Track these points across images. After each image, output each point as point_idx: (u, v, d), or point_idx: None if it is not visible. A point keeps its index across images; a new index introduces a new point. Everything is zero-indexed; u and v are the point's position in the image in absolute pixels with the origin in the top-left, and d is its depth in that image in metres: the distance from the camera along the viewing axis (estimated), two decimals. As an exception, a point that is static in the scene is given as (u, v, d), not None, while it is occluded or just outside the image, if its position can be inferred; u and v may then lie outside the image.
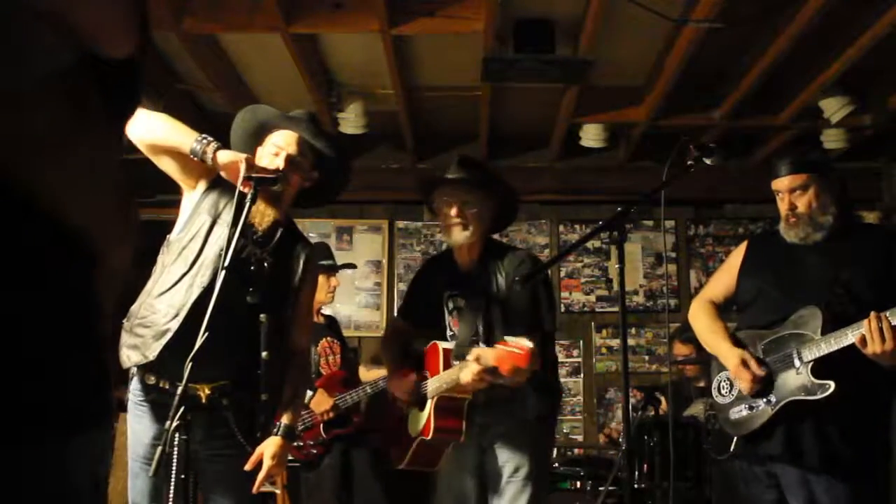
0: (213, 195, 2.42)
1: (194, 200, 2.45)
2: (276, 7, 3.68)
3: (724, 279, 2.91)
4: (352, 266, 4.87)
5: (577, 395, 6.05)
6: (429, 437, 2.70)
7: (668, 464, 3.75)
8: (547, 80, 4.27)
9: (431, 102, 5.18)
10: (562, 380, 5.72)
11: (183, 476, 2.13)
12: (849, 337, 2.40)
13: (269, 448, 2.34)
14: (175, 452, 2.11)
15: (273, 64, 4.53)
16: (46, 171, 0.75)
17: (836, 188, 2.66)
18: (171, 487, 2.14)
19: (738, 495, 2.79)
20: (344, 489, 4.42)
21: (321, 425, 4.27)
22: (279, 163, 2.40)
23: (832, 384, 2.43)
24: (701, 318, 2.87)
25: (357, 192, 5.37)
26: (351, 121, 5.06)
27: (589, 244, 6.06)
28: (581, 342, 6.15)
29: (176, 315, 2.27)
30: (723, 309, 2.90)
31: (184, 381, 1.96)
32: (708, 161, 2.48)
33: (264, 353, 2.30)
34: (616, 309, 4.38)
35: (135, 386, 2.39)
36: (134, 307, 2.40)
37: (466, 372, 2.49)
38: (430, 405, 2.75)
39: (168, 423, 1.99)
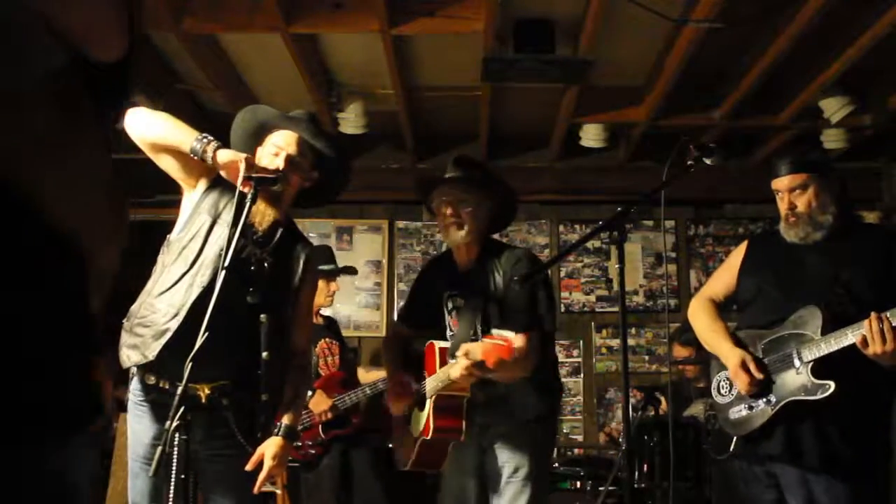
0: (213, 195, 2.42)
1: (194, 200, 2.45)
2: (276, 7, 3.68)
3: (724, 278, 2.91)
4: (352, 272, 4.83)
5: (577, 395, 6.05)
6: (429, 437, 2.70)
7: (668, 464, 3.75)
8: (547, 80, 4.27)
9: (431, 102, 5.18)
10: (562, 380, 5.71)
11: (183, 476, 2.13)
12: (849, 337, 2.40)
13: (269, 448, 2.34)
14: (175, 452, 2.11)
15: (273, 64, 4.53)
16: (43, 172, 0.76)
17: (835, 188, 2.66)
18: (171, 487, 2.13)
19: (737, 495, 2.79)
20: (343, 490, 4.42)
21: (319, 426, 4.27)
22: (279, 163, 2.40)
23: (832, 384, 2.43)
24: (701, 317, 2.87)
25: (357, 192, 5.37)
26: (351, 121, 5.06)
27: (589, 244, 6.06)
28: (581, 342, 6.15)
29: (176, 315, 2.27)
30: (722, 308, 2.90)
31: (184, 381, 1.96)
32: (708, 161, 2.48)
33: (264, 354, 2.30)
34: (616, 309, 4.39)
35: (135, 386, 2.39)
36: (134, 307, 2.40)
37: (456, 368, 2.50)
38: (429, 405, 2.75)
39: (168, 423, 1.99)
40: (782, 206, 2.68)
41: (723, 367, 2.76)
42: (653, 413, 4.29)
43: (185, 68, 4.73)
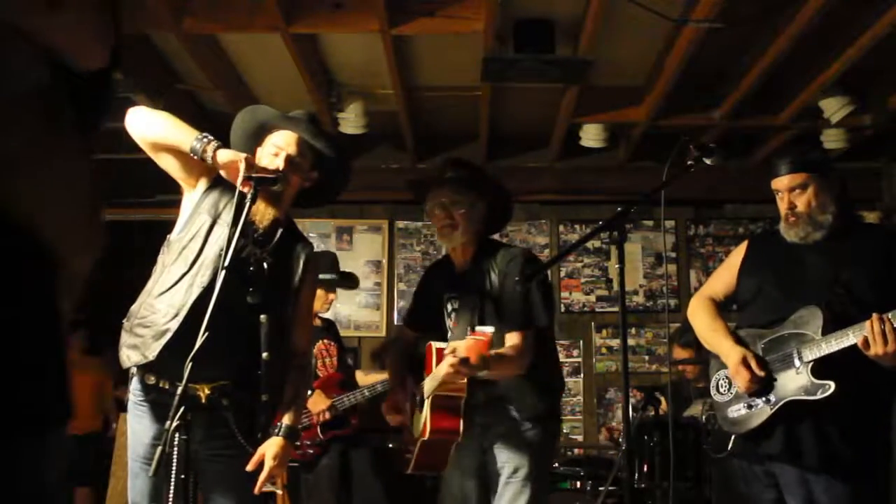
0: (213, 195, 2.42)
1: (194, 200, 2.45)
2: (276, 7, 3.68)
3: (724, 277, 2.91)
4: (352, 285, 4.77)
5: (577, 395, 6.05)
6: (426, 438, 2.70)
7: (668, 464, 3.75)
8: (547, 80, 4.27)
9: (431, 102, 5.18)
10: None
11: (183, 476, 2.13)
12: (850, 337, 2.40)
13: (270, 448, 2.34)
14: (175, 452, 2.11)
15: (273, 64, 4.53)
16: (20, 186, 0.77)
17: (835, 187, 2.66)
18: (171, 487, 2.14)
19: (737, 495, 2.79)
20: (343, 490, 4.42)
21: (318, 426, 4.26)
22: (279, 163, 2.40)
23: (832, 384, 2.43)
24: (701, 316, 2.87)
25: (357, 192, 5.37)
26: (351, 121, 5.06)
27: (589, 244, 6.06)
28: (581, 342, 6.15)
29: (176, 315, 2.27)
30: (722, 307, 2.90)
31: (184, 381, 1.96)
32: (708, 161, 2.48)
33: (265, 354, 2.30)
34: (616, 309, 4.38)
35: (135, 386, 2.39)
36: (134, 307, 2.40)
37: (443, 365, 2.50)
38: (427, 405, 2.75)
39: (168, 423, 1.99)
40: (782, 206, 2.68)
41: (722, 366, 2.76)
42: (653, 413, 4.29)
43: (186, 68, 4.73)
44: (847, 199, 2.70)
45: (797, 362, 2.51)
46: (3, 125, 0.75)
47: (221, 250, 2.21)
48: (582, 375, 6.09)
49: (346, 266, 5.00)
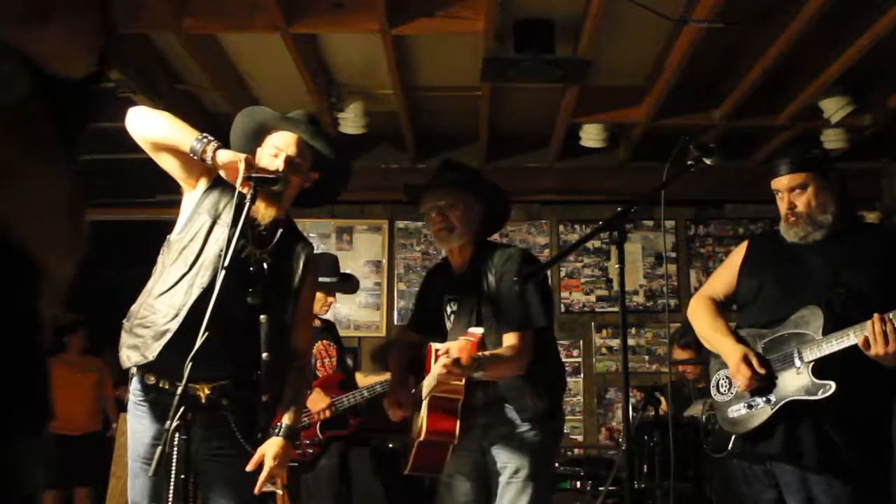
0: (213, 195, 2.42)
1: (194, 200, 2.45)
2: (276, 7, 3.68)
3: (724, 277, 2.91)
4: (351, 289, 4.76)
5: (577, 395, 6.05)
6: (422, 439, 2.70)
7: (669, 464, 3.75)
8: (547, 80, 4.27)
9: (431, 102, 5.18)
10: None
11: (183, 476, 2.13)
12: (851, 338, 2.40)
13: (270, 449, 2.34)
14: (175, 452, 2.11)
15: (273, 64, 4.53)
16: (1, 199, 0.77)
17: (835, 187, 2.66)
18: (171, 487, 2.14)
19: (737, 495, 2.79)
20: (342, 490, 4.42)
21: (317, 425, 4.26)
22: (278, 164, 2.40)
23: (833, 384, 2.43)
24: (701, 316, 2.87)
25: (357, 192, 5.38)
26: (351, 121, 5.06)
27: (589, 244, 6.06)
28: (581, 342, 6.15)
29: (176, 315, 2.27)
30: (722, 307, 2.90)
31: (184, 381, 1.96)
32: (708, 161, 2.47)
33: (264, 354, 2.30)
34: (616, 309, 4.38)
35: (135, 386, 2.39)
36: (134, 307, 2.40)
37: (437, 366, 2.50)
38: (424, 406, 2.75)
39: (168, 423, 1.99)
40: (782, 206, 2.68)
41: (722, 366, 2.76)
42: (653, 413, 4.29)
43: (186, 68, 4.73)
44: (847, 199, 2.70)
45: (798, 362, 2.51)
46: None
47: (221, 251, 2.21)
48: (582, 375, 6.09)
49: (345, 266, 5.00)
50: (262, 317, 2.32)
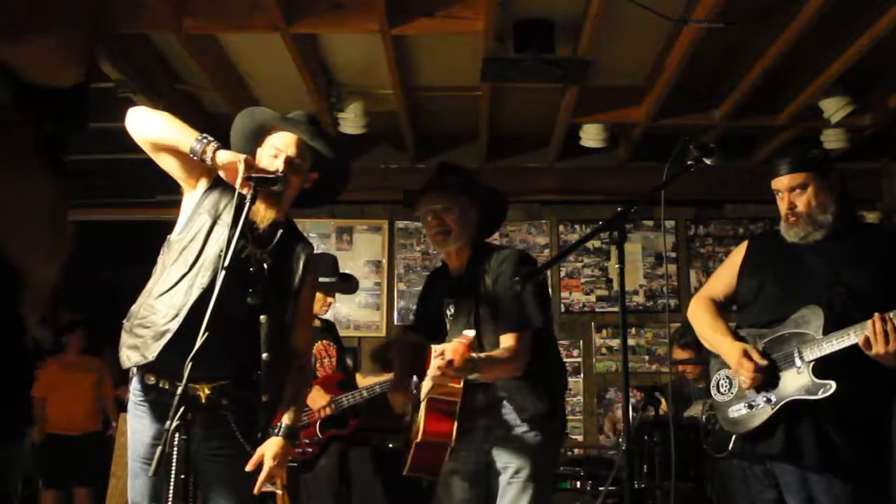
0: (213, 195, 2.42)
1: (194, 201, 2.45)
2: (276, 7, 3.68)
3: (724, 277, 2.91)
4: (350, 289, 4.76)
5: (577, 395, 6.05)
6: (420, 440, 2.70)
7: (669, 464, 3.75)
8: (547, 80, 4.27)
9: (431, 102, 5.18)
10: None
11: (183, 476, 2.13)
12: (851, 337, 2.40)
13: (269, 449, 2.34)
14: (175, 452, 2.11)
15: (273, 64, 4.53)
16: None
17: (836, 187, 2.66)
18: (171, 487, 2.14)
19: (737, 495, 2.79)
20: (342, 490, 4.41)
21: (317, 424, 4.26)
22: (278, 164, 2.40)
23: (833, 384, 2.43)
24: (701, 316, 2.87)
25: (357, 192, 5.39)
26: (351, 121, 5.06)
27: (589, 244, 6.06)
28: (581, 342, 6.15)
29: (176, 316, 2.27)
30: (722, 307, 2.90)
31: (184, 381, 1.96)
32: (708, 161, 2.47)
33: (265, 355, 2.30)
34: (616, 309, 4.38)
35: (135, 386, 2.39)
36: (134, 307, 2.40)
37: (431, 367, 2.50)
38: (422, 407, 2.76)
39: (168, 423, 1.99)
40: (782, 206, 2.68)
41: (722, 366, 2.76)
42: (653, 413, 4.29)
43: (186, 69, 4.73)
44: (847, 199, 2.70)
45: (798, 362, 2.51)
46: None
47: (221, 251, 2.20)
48: (582, 375, 6.09)
49: (345, 266, 5.00)
50: (262, 317, 2.32)
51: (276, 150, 2.43)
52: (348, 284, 4.62)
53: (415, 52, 4.45)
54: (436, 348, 2.56)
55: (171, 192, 2.67)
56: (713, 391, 2.79)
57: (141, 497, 2.33)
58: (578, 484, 4.36)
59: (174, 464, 2.11)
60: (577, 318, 6.19)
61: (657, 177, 2.49)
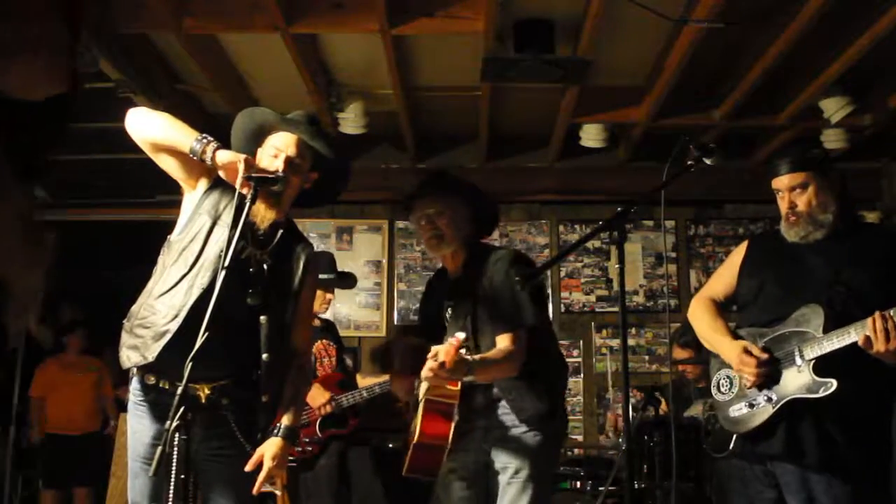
0: (213, 196, 2.42)
1: (194, 201, 2.45)
2: (276, 7, 3.68)
3: (724, 277, 2.91)
4: (349, 284, 4.77)
5: (577, 395, 6.05)
6: (416, 441, 2.71)
7: (669, 464, 3.75)
8: (547, 80, 4.27)
9: (431, 102, 5.18)
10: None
11: (183, 476, 2.13)
12: (852, 335, 2.40)
13: (269, 449, 2.34)
14: (175, 452, 2.11)
15: (273, 64, 4.53)
16: None
17: (836, 186, 2.66)
18: (171, 487, 2.14)
19: (737, 495, 2.79)
20: (342, 490, 4.41)
21: (317, 423, 4.25)
22: (278, 165, 2.40)
23: (834, 382, 2.43)
24: (701, 316, 2.87)
25: (357, 192, 5.38)
26: (351, 121, 5.06)
27: (589, 244, 6.06)
28: (581, 342, 6.15)
29: (176, 316, 2.27)
30: (722, 307, 2.90)
31: (184, 381, 1.96)
32: (708, 161, 2.47)
33: (264, 355, 2.30)
34: (616, 309, 4.38)
35: (135, 386, 2.39)
36: (134, 308, 2.40)
37: (424, 369, 2.50)
38: (420, 408, 2.76)
39: (168, 423, 1.99)
40: (782, 206, 2.68)
41: (723, 366, 2.76)
42: (653, 413, 4.30)
43: (186, 69, 4.73)
44: (847, 199, 2.70)
45: (799, 360, 2.51)
46: None
47: (221, 251, 2.20)
48: (582, 375, 6.09)
49: (345, 266, 5.00)
50: (262, 317, 2.32)
51: (276, 150, 2.43)
52: (346, 280, 4.62)
53: (415, 52, 4.45)
54: (431, 350, 2.56)
55: (171, 192, 2.67)
56: (714, 391, 2.79)
57: (141, 497, 2.33)
58: (578, 484, 4.37)
59: (174, 464, 2.11)
60: (577, 318, 6.19)
61: (657, 177, 2.49)
